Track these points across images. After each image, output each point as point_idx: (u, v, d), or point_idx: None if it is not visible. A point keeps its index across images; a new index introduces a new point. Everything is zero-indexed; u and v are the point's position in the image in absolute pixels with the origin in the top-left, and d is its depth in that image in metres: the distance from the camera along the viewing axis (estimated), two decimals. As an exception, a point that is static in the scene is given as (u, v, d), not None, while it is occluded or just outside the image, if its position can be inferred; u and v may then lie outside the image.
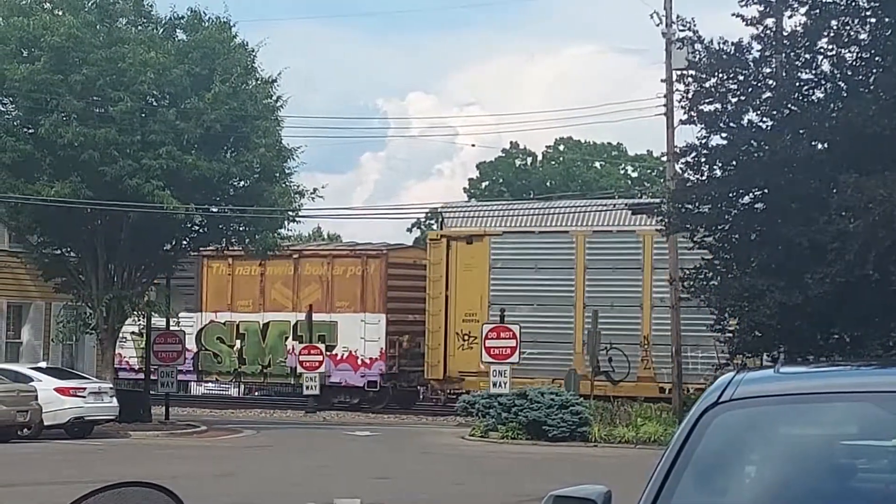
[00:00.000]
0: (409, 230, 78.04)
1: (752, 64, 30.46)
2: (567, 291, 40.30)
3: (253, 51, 36.27)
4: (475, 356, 39.36)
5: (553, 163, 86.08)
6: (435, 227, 51.30)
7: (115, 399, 33.85)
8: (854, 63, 29.94)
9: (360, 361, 43.34)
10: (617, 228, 40.28)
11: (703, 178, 31.24)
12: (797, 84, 30.24)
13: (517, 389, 34.48)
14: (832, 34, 29.63)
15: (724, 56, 30.37)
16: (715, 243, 31.70)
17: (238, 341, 45.23)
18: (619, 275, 39.80)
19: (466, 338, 41.20)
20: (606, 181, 78.55)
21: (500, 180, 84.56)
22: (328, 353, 43.06)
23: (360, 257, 44.05)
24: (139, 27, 36.14)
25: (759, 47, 30.50)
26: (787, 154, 28.86)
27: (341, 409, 43.29)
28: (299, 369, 42.91)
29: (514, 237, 41.10)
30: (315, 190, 37.62)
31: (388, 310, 43.35)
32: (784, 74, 30.15)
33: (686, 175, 32.07)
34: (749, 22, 30.31)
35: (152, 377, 39.51)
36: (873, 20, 29.46)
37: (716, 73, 30.50)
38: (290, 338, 44.33)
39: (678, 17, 33.03)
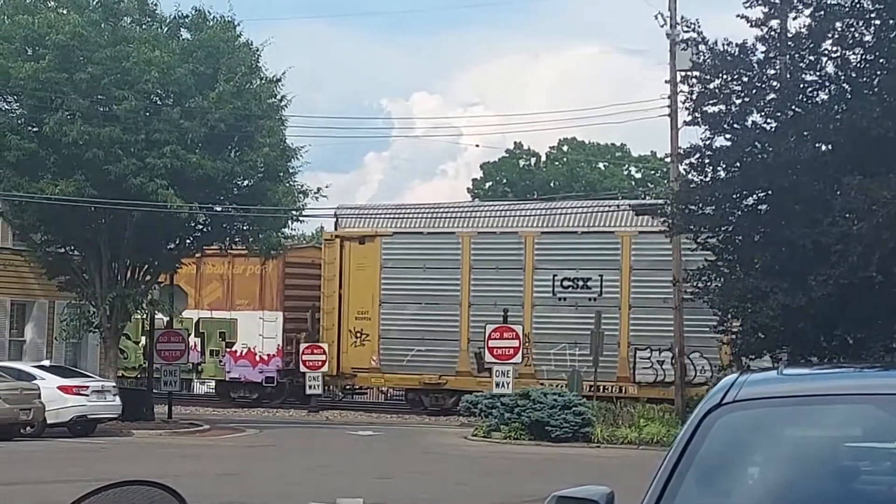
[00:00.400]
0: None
1: (756, 65, 30.45)
2: (453, 290, 41.76)
3: (257, 50, 36.32)
4: (367, 353, 42.07)
5: (557, 163, 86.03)
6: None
7: (117, 397, 33.88)
8: (858, 65, 29.92)
9: (258, 358, 44.54)
10: (500, 230, 41.78)
11: (707, 179, 31.23)
12: (801, 86, 30.22)
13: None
14: (837, 36, 29.61)
15: (729, 57, 30.36)
16: (718, 244, 31.70)
17: (143, 338, 45.55)
18: (502, 274, 41.31)
19: (359, 335, 42.72)
20: (610, 182, 78.50)
21: (504, 181, 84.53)
22: (228, 350, 44.46)
23: (258, 256, 44.48)
24: (144, 26, 36.15)
25: (764, 49, 30.50)
26: (791, 156, 28.85)
27: (241, 405, 44.43)
28: (226, 367, 44.35)
29: (404, 238, 42.44)
30: (319, 189, 37.78)
31: (286, 308, 44.58)
32: (788, 76, 30.13)
33: (690, 176, 32.05)
34: (753, 23, 30.31)
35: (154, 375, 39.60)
36: (878, 22, 29.45)
37: (720, 75, 30.49)
38: (193, 335, 45.08)
39: (682, 17, 33.18)
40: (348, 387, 45.13)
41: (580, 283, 40.16)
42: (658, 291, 38.72)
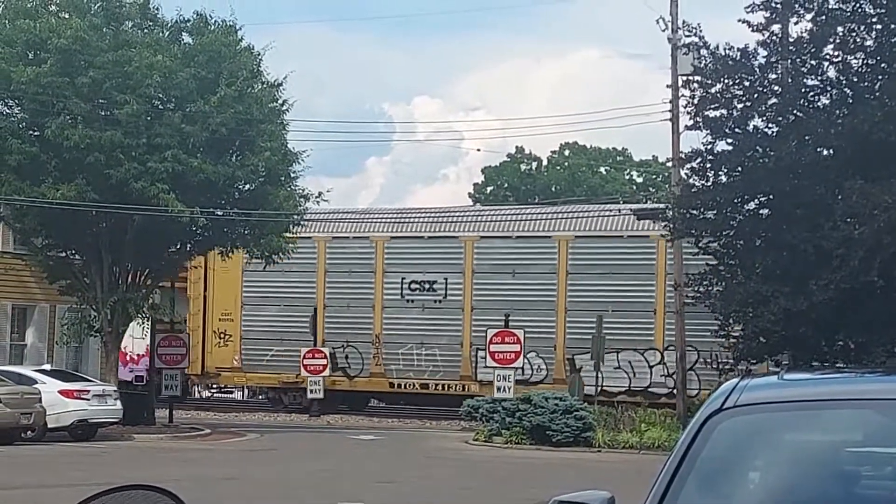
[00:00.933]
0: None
1: (757, 70, 30.49)
2: (309, 293, 43.73)
3: (259, 54, 36.28)
4: (230, 353, 44.07)
5: (558, 168, 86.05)
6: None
7: (118, 402, 33.85)
8: (860, 69, 29.96)
9: (128, 357, 44.83)
10: (353, 234, 43.79)
11: (709, 183, 31.26)
12: (803, 90, 30.27)
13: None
14: (838, 40, 29.65)
15: (730, 62, 30.40)
16: (720, 249, 31.72)
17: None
18: (354, 277, 43.31)
19: (223, 336, 44.62)
20: (611, 186, 78.53)
21: (506, 185, 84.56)
22: None
23: None
24: (145, 30, 36.14)
25: (765, 53, 30.56)
26: (793, 160, 28.88)
27: None
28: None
29: None
30: (320, 194, 37.74)
31: None
32: (790, 80, 30.17)
33: (691, 181, 32.09)
34: (755, 28, 30.36)
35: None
36: (879, 27, 29.49)
37: (721, 79, 30.53)
38: None
39: (684, 22, 33.17)
40: (215, 386, 46.82)
41: (426, 285, 42.16)
42: (498, 293, 40.74)
